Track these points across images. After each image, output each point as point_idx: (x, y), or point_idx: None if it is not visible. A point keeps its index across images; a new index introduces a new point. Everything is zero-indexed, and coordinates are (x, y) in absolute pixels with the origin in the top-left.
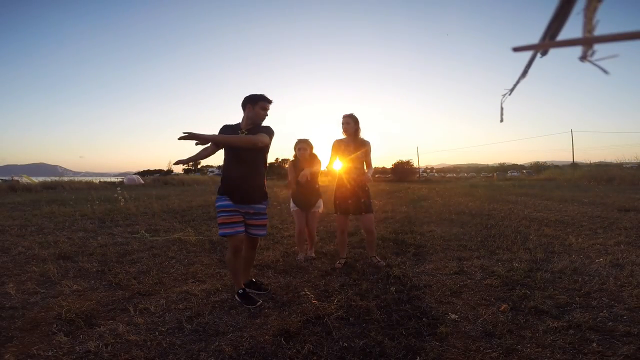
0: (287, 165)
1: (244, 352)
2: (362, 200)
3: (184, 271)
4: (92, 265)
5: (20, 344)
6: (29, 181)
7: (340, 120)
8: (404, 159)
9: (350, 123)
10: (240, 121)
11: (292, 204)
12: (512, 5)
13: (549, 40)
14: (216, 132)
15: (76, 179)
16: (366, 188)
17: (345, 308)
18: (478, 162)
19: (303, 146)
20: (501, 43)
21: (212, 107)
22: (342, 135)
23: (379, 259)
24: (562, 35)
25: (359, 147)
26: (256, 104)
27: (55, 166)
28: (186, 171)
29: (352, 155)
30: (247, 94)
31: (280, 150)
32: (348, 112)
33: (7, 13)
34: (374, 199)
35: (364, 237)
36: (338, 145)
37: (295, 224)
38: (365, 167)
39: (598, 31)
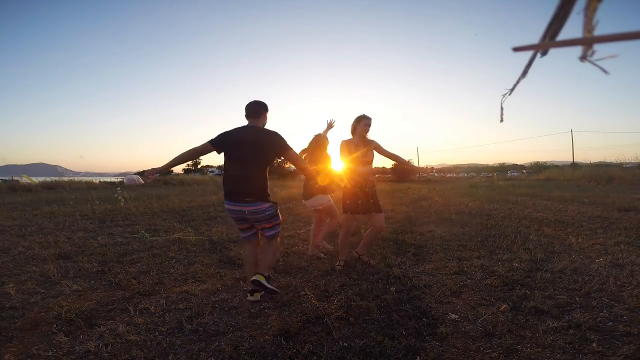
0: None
1: (244, 352)
2: (372, 200)
3: (184, 271)
4: (92, 265)
5: (20, 344)
6: (29, 181)
7: (363, 121)
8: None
9: (370, 125)
10: (254, 125)
11: (319, 200)
12: (512, 5)
13: (549, 40)
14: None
15: (76, 179)
16: (373, 187)
17: (345, 308)
18: (478, 162)
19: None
20: (501, 43)
21: (212, 105)
22: (349, 136)
23: (367, 258)
24: (562, 35)
25: (368, 146)
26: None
27: (55, 166)
28: (186, 171)
29: (358, 153)
30: (262, 101)
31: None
32: (364, 114)
33: (7, 13)
34: None
35: (368, 234)
36: (347, 145)
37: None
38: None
39: (598, 31)
